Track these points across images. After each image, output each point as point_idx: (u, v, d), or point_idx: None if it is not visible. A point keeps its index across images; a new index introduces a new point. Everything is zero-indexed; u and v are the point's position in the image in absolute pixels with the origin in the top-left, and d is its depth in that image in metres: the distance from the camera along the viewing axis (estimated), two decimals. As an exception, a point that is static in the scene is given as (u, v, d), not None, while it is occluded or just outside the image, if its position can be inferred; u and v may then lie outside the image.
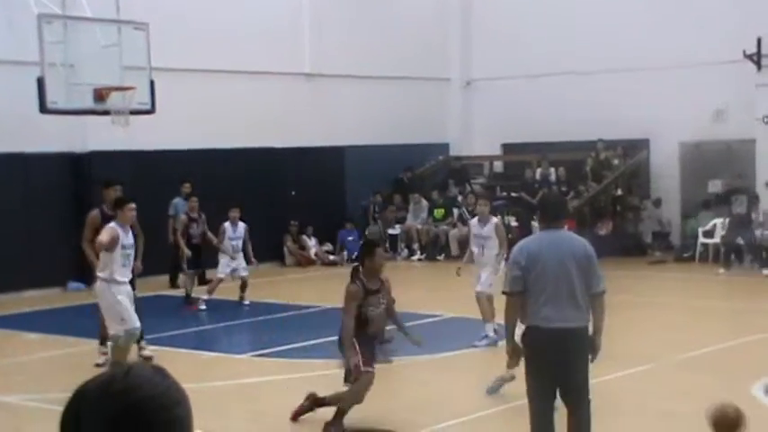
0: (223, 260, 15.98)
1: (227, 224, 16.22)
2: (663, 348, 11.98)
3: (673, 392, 9.81)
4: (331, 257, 21.78)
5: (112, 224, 10.41)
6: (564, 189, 22.32)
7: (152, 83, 15.93)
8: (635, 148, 22.11)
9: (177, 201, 17.87)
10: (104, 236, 10.24)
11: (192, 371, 11.22)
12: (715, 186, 21.63)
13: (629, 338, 12.57)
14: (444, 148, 24.75)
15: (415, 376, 10.84)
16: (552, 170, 22.71)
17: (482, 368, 11.74)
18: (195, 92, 19.78)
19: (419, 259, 22.04)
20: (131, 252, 10.51)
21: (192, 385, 10.01)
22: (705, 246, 20.51)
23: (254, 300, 16.20)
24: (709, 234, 20.51)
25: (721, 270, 18.82)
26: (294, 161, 21.49)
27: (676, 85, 21.27)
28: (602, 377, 10.27)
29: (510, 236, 12.88)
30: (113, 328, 10.33)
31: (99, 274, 10.39)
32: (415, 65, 23.63)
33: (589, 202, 21.60)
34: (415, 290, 16.76)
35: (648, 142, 22.13)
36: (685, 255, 20.80)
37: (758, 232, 19.75)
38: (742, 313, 14.87)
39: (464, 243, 22.08)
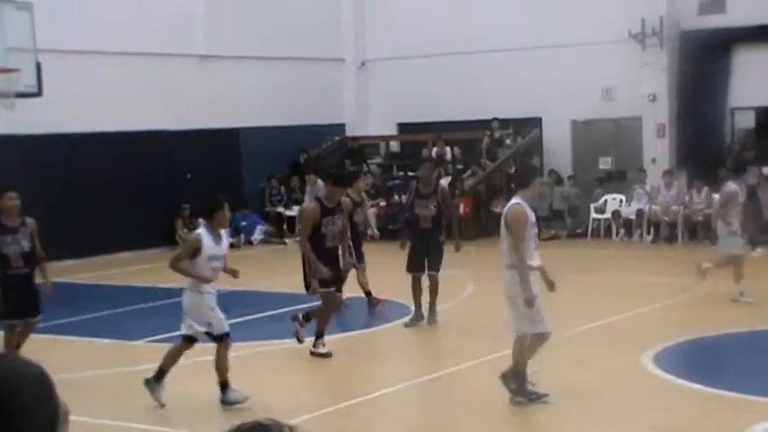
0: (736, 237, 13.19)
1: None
2: (557, 322, 12.18)
3: (567, 365, 10.01)
4: (228, 240, 21.60)
5: None
6: (460, 167, 22.57)
7: (38, 65, 15.48)
8: (528, 127, 22.46)
9: None
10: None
11: (86, 359, 11.02)
12: (605, 163, 22.17)
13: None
14: (340, 128, 24.73)
15: (309, 358, 10.81)
16: (448, 149, 22.91)
17: (379, 349, 11.82)
18: (86, 74, 19.32)
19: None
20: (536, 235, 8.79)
21: (87, 373, 9.82)
22: (597, 221, 21.01)
23: (149, 285, 15.95)
24: (600, 210, 21.00)
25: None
26: (189, 144, 21.20)
27: (567, 65, 21.66)
28: (499, 352, 10.46)
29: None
30: (524, 326, 8.71)
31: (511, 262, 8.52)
32: (309, 46, 23.52)
33: (484, 181, 21.87)
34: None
35: (541, 121, 22.50)
36: (578, 231, 21.25)
37: (647, 206, 20.31)
38: (634, 286, 15.27)
39: (363, 222, 22.18)
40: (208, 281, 8.88)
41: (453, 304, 13.43)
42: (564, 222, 21.59)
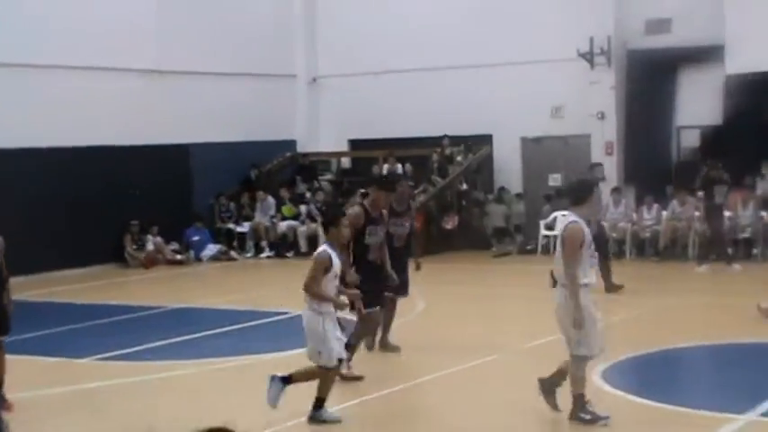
0: None
1: None
2: (507, 338, 12.25)
3: (516, 382, 10.04)
4: (178, 257, 21.46)
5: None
6: (411, 184, 22.60)
7: (-17, 78, 15.30)
8: (479, 144, 22.59)
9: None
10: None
11: (32, 377, 10.84)
12: (555, 180, 22.37)
13: (473, 330, 12.83)
14: (291, 144, 24.69)
15: (263, 374, 10.74)
16: (399, 166, 22.96)
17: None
18: (33, 88, 19.07)
19: (268, 257, 21.93)
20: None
21: (32, 393, 9.65)
22: (547, 238, 21.15)
23: (97, 302, 15.73)
24: (549, 227, 21.14)
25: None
26: (138, 159, 21.01)
27: (516, 83, 21.84)
28: (447, 369, 10.47)
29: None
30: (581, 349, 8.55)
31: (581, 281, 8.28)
32: (260, 61, 23.48)
33: (435, 197, 21.94)
34: (264, 287, 16.63)
35: (491, 138, 22.65)
36: (528, 247, 21.39)
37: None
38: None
39: (314, 240, 22.20)
40: (342, 307, 8.31)
41: (404, 321, 13.43)
42: (514, 239, 21.77)
